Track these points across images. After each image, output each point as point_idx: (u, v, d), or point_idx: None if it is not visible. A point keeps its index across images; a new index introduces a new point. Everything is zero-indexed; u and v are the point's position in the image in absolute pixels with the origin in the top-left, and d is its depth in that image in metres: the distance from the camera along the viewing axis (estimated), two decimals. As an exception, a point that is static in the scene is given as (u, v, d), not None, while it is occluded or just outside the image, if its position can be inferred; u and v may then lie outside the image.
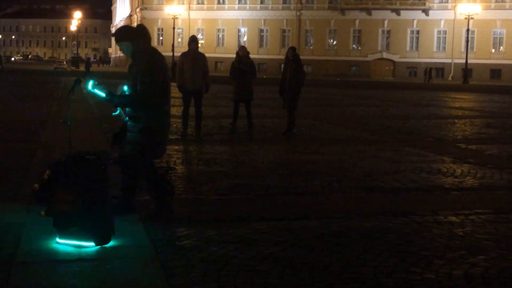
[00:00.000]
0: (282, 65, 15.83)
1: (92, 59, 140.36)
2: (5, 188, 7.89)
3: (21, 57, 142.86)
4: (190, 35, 14.95)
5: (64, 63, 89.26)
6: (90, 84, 6.29)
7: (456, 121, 19.71)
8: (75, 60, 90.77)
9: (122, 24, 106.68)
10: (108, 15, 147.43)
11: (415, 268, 5.12)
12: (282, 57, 15.32)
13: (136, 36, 6.45)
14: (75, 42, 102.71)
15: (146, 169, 6.53)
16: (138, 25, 6.98)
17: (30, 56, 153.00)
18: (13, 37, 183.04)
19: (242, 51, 15.04)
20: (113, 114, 6.67)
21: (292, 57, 14.32)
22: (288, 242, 5.76)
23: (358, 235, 6.07)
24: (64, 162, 5.65)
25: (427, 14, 75.79)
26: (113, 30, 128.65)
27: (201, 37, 79.30)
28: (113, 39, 7.00)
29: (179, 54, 15.13)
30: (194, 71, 13.61)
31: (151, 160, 6.59)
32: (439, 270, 5.08)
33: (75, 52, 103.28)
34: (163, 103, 6.45)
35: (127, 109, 6.46)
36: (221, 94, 27.95)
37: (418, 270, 5.08)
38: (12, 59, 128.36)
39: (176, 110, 19.52)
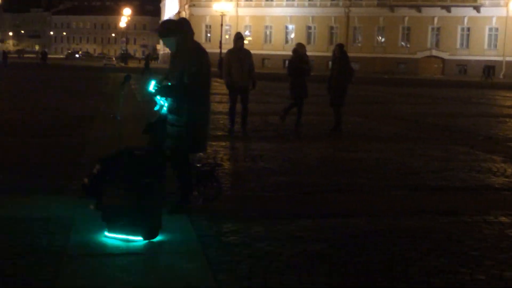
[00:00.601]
0: (330, 62, 15.75)
1: (142, 55, 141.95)
2: (55, 181, 8.02)
3: (84, 53, 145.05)
4: (237, 32, 14.93)
5: (113, 59, 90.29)
6: (152, 85, 6.36)
7: (507, 120, 19.36)
8: (124, 57, 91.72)
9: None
10: (156, 12, 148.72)
11: (464, 268, 5.04)
12: (330, 54, 15.25)
13: (180, 30, 6.49)
14: (124, 39, 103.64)
15: (182, 161, 6.56)
16: (181, 19, 7.00)
17: (80, 52, 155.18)
18: (64, 33, 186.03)
19: (302, 49, 14.97)
20: (155, 109, 6.70)
21: (339, 54, 14.24)
22: (334, 240, 5.74)
23: (405, 234, 6.00)
24: (114, 157, 5.72)
25: (478, 11, 74.53)
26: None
27: (248, 34, 79.48)
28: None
29: (226, 51, 15.13)
30: (241, 68, 13.60)
31: (189, 153, 6.64)
32: (489, 271, 5.00)
33: (124, 48, 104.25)
34: (205, 97, 6.52)
35: (167, 104, 6.45)
36: (268, 90, 27.96)
37: (468, 270, 5.00)
38: (77, 55, 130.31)
39: (222, 107, 19.61)
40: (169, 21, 6.85)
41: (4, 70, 50.56)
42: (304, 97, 14.97)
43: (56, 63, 77.52)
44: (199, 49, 6.50)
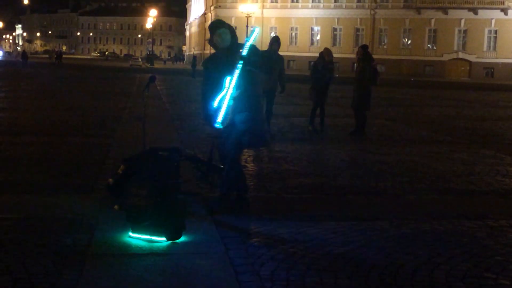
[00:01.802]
0: (355, 64, 15.68)
1: (166, 56, 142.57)
2: (80, 181, 8.09)
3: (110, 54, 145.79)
4: (264, 33, 14.88)
5: (140, 60, 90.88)
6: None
7: (534, 123, 19.15)
8: (150, 58, 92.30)
9: (196, 22, 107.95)
10: (182, 13, 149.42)
11: (489, 273, 5.00)
12: (355, 56, 15.19)
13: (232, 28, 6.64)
14: (150, 40, 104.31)
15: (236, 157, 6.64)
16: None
17: (106, 53, 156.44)
18: (91, 34, 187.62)
19: (329, 57, 14.87)
20: (217, 127, 6.32)
21: (362, 55, 14.15)
22: (358, 243, 5.71)
23: (430, 237, 5.96)
24: (138, 158, 5.75)
25: (506, 14, 73.86)
26: (187, 28, 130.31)
27: (273, 35, 79.48)
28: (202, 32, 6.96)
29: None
30: (272, 71, 13.49)
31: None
32: (514, 276, 4.95)
33: (150, 49, 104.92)
34: None
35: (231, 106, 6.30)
36: (294, 92, 27.92)
37: (492, 275, 4.95)
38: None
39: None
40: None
41: (25, 70, 51.14)
42: (322, 102, 14.84)
43: (82, 63, 78.19)
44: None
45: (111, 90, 29.70)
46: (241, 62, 6.16)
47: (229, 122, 6.29)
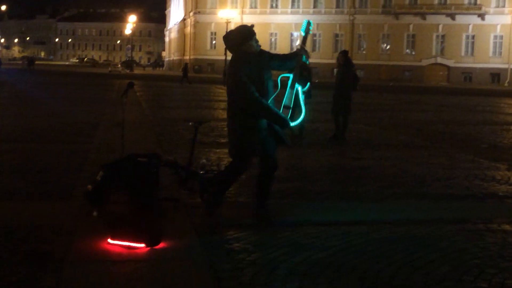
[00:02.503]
0: (335, 70, 15.70)
1: (146, 62, 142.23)
2: (59, 188, 8.04)
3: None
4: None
5: (119, 66, 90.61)
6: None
7: (511, 127, 19.33)
8: (129, 64, 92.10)
9: (176, 27, 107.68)
10: (162, 19, 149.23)
11: (467, 276, 5.03)
12: (335, 61, 15.22)
13: None
14: (129, 46, 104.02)
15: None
16: None
17: (85, 59, 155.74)
18: (70, 40, 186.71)
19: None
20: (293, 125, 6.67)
21: (343, 61, 14.21)
22: (337, 247, 5.73)
23: (409, 242, 5.99)
24: (117, 164, 5.73)
25: (483, 19, 74.62)
26: (167, 33, 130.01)
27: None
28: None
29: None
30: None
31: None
32: (492, 279, 4.99)
33: (129, 55, 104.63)
34: None
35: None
36: (275, 97, 27.94)
37: (470, 278, 4.99)
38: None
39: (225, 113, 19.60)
40: None
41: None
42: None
43: (60, 70, 77.83)
44: None
45: (90, 96, 29.57)
46: (305, 60, 6.75)
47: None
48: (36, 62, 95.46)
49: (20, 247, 5.44)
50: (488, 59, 75.01)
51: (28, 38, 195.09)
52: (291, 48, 79.54)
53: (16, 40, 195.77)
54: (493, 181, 9.47)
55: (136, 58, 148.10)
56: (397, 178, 9.59)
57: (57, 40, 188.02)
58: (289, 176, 9.54)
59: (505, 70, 73.60)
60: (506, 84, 71.25)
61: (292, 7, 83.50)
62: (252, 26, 6.66)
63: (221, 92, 37.72)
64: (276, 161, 6.53)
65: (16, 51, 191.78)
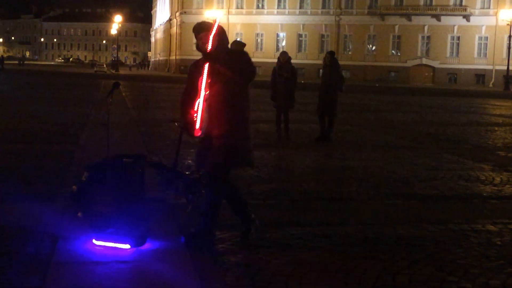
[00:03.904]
0: (321, 70, 15.71)
1: (132, 62, 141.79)
2: (43, 188, 8.00)
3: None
4: (230, 39, 14.76)
5: (104, 66, 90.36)
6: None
7: (496, 128, 19.44)
8: (115, 64, 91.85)
9: (162, 28, 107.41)
10: (148, 19, 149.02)
11: (451, 277, 5.06)
12: (321, 62, 15.24)
13: None
14: (115, 46, 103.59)
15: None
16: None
17: (71, 59, 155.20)
18: (55, 40, 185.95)
19: (283, 57, 14.72)
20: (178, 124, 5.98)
21: (330, 62, 14.23)
22: (323, 248, 5.74)
23: (394, 242, 6.01)
24: (102, 164, 5.71)
25: (468, 20, 75.01)
26: (153, 34, 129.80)
27: (238, 40, 79.47)
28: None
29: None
30: None
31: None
32: (476, 279, 5.01)
33: (115, 55, 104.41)
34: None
35: None
36: (260, 98, 27.96)
37: (455, 279, 5.01)
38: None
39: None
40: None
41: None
42: (283, 106, 14.57)
43: (45, 70, 77.57)
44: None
45: (75, 96, 29.44)
46: None
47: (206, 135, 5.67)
48: (25, 62, 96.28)
49: (3, 248, 5.41)
50: (473, 60, 75.42)
51: (13, 38, 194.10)
52: (277, 48, 79.62)
53: (0, 40, 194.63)
54: (477, 182, 9.52)
55: (122, 58, 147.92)
56: (382, 178, 9.62)
57: (42, 40, 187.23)
58: (275, 176, 9.55)
59: (490, 71, 74.01)
60: (490, 85, 71.67)
61: (278, 8, 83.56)
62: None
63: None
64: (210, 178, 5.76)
65: (1, 51, 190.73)
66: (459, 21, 75.56)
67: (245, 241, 5.85)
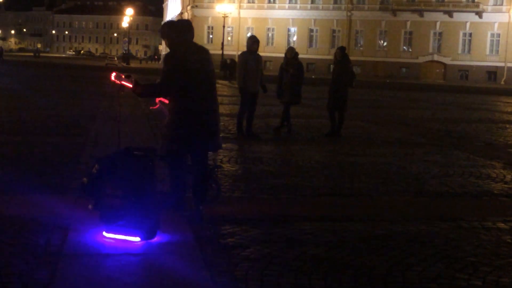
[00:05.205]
0: (332, 66, 15.65)
1: (143, 55, 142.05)
2: (54, 181, 8.03)
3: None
4: (241, 34, 14.75)
5: (115, 59, 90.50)
6: (113, 76, 6.43)
7: (507, 126, 19.35)
8: (126, 57, 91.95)
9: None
10: (159, 13, 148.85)
11: (461, 274, 5.04)
12: (332, 57, 15.17)
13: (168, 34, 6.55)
14: (126, 39, 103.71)
15: (174, 165, 6.56)
16: (173, 22, 6.74)
17: (82, 52, 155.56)
18: (66, 32, 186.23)
19: (290, 53, 14.67)
20: (152, 108, 6.80)
21: (340, 57, 14.20)
22: (332, 244, 5.73)
23: (404, 239, 6.00)
24: (113, 157, 5.72)
25: (480, 17, 74.60)
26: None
27: (250, 35, 79.39)
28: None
29: (228, 52, 14.97)
30: (257, 72, 13.33)
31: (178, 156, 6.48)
32: (486, 277, 5.00)
33: (126, 48, 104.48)
34: (182, 99, 6.31)
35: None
36: (270, 93, 27.96)
37: (465, 276, 5.00)
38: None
39: (223, 109, 19.66)
40: (167, 23, 6.75)
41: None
42: (287, 101, 14.47)
43: (57, 62, 77.76)
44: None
45: (86, 89, 29.49)
46: None
47: None
48: (41, 55, 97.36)
49: (15, 239, 5.43)
50: (485, 57, 75.04)
51: (24, 30, 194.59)
52: (288, 43, 79.45)
53: (12, 32, 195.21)
54: (488, 179, 9.49)
55: (133, 51, 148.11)
56: (393, 175, 9.60)
57: (53, 32, 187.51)
58: (284, 171, 9.54)
59: (502, 68, 73.63)
60: (502, 82, 71.32)
61: (289, 2, 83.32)
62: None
63: (218, 87, 37.67)
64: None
65: (12, 43, 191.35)
66: (471, 17, 75.17)
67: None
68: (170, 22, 6.66)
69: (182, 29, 6.45)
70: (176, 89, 6.26)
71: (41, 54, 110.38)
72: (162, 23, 6.96)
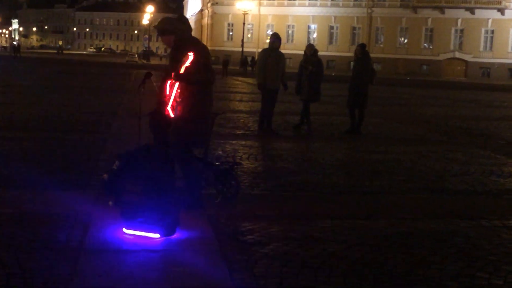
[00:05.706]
0: (352, 63, 15.59)
1: (163, 52, 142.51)
2: (75, 177, 8.07)
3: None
4: (261, 31, 14.74)
5: (136, 56, 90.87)
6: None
7: (529, 124, 19.18)
8: (146, 54, 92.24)
9: (193, 18, 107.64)
10: (179, 10, 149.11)
11: (481, 273, 5.01)
12: (352, 54, 15.12)
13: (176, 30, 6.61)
14: (146, 36, 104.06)
15: (190, 160, 6.55)
16: (178, 17, 6.84)
17: (103, 49, 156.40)
18: (87, 30, 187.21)
19: (309, 50, 14.61)
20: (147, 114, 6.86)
21: (361, 54, 14.15)
22: (352, 241, 5.72)
23: (425, 237, 5.97)
24: (133, 153, 5.74)
25: (502, 14, 73.99)
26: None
27: (270, 33, 79.40)
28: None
29: (248, 49, 14.96)
30: (277, 69, 13.33)
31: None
32: (507, 276, 4.96)
33: (146, 45, 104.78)
34: (204, 91, 6.49)
35: None
36: (289, 90, 27.94)
37: (485, 275, 4.96)
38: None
39: (243, 106, 19.71)
40: (170, 19, 6.78)
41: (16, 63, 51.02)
42: (306, 98, 14.36)
43: (78, 59, 78.24)
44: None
45: (107, 86, 29.65)
46: None
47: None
48: (65, 52, 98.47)
49: (36, 235, 5.46)
50: (507, 54, 74.43)
51: (46, 27, 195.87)
52: (308, 40, 79.29)
53: (34, 29, 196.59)
54: (510, 178, 9.42)
55: (153, 48, 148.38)
56: (413, 172, 9.56)
57: (75, 29, 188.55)
58: (304, 169, 9.53)
59: (524, 65, 73.06)
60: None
61: (310, 0, 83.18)
62: None
63: (237, 84, 37.75)
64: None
65: (34, 40, 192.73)
66: (493, 14, 74.57)
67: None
68: (176, 18, 6.70)
69: (189, 24, 6.64)
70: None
71: (65, 52, 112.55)
72: (158, 21, 6.93)
